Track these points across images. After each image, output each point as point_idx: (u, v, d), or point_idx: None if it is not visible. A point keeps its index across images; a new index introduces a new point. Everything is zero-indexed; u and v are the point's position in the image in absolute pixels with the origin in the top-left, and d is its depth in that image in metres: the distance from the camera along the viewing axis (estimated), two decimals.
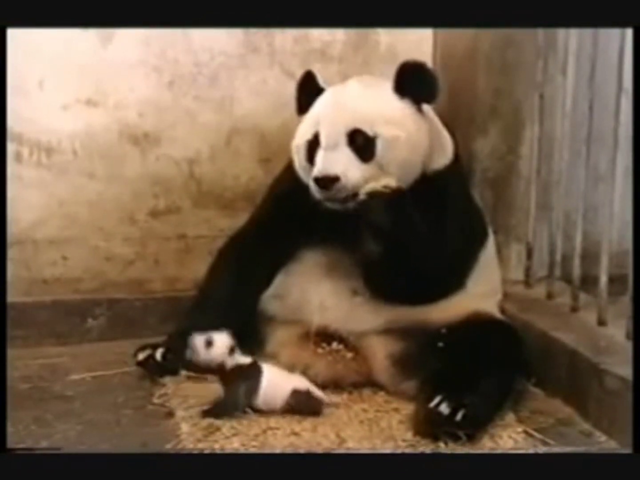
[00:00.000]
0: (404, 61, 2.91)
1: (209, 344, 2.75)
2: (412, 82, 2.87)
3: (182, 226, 3.48)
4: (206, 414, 2.75)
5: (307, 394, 2.76)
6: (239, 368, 2.77)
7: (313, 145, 2.89)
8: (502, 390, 2.84)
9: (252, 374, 2.76)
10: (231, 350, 2.76)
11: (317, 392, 2.80)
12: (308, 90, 2.98)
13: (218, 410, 2.75)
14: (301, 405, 2.75)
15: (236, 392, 2.75)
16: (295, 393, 2.76)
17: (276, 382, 2.78)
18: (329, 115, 2.89)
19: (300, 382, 2.80)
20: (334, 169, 2.81)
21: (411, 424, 2.73)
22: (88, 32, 3.31)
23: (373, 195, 2.78)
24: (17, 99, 3.26)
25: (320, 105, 2.95)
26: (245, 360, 2.80)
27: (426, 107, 2.97)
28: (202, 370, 2.83)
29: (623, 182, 3.04)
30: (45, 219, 3.39)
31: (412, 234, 2.84)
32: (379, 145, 2.84)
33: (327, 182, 2.81)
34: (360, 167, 2.83)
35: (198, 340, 2.75)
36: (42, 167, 3.37)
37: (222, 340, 2.76)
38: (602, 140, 3.14)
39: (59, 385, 3.02)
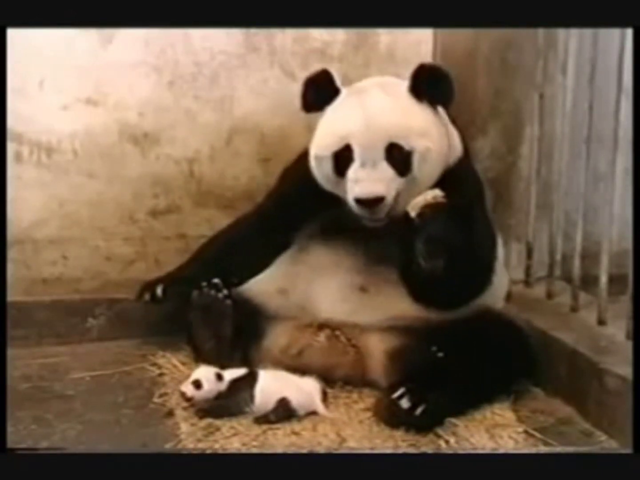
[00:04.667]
0: (421, 64, 2.85)
1: (197, 386, 2.75)
2: (430, 86, 2.80)
3: (182, 226, 3.48)
4: (202, 413, 2.77)
5: (286, 404, 2.77)
6: (235, 382, 2.79)
7: (342, 158, 2.80)
8: (480, 389, 2.84)
9: (248, 384, 2.79)
10: (219, 377, 2.77)
11: (318, 404, 2.81)
12: (322, 89, 2.87)
13: (213, 415, 2.76)
14: (279, 415, 2.76)
15: (232, 402, 2.78)
16: (280, 402, 2.76)
17: (269, 390, 2.78)
18: (363, 130, 2.77)
19: (291, 390, 2.79)
20: (378, 189, 2.73)
21: (374, 409, 2.80)
22: (88, 32, 3.30)
23: (430, 209, 2.70)
24: (17, 99, 3.25)
25: (346, 117, 2.83)
26: (239, 372, 2.82)
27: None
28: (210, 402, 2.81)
29: (623, 182, 3.05)
30: (45, 219, 3.39)
31: (472, 241, 2.81)
32: (415, 159, 2.78)
33: (371, 203, 2.74)
34: (399, 182, 2.78)
35: (187, 387, 2.76)
36: (42, 167, 3.37)
37: (206, 375, 2.77)
38: (602, 140, 3.15)
39: (59, 385, 3.02)
